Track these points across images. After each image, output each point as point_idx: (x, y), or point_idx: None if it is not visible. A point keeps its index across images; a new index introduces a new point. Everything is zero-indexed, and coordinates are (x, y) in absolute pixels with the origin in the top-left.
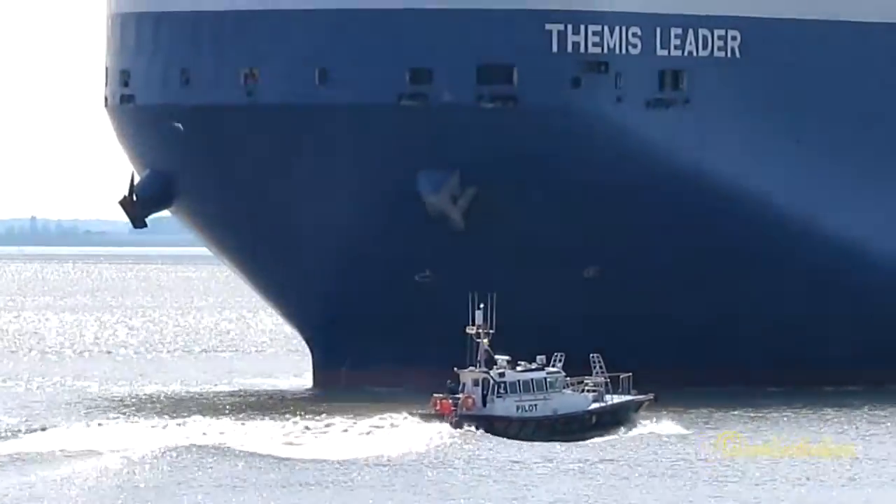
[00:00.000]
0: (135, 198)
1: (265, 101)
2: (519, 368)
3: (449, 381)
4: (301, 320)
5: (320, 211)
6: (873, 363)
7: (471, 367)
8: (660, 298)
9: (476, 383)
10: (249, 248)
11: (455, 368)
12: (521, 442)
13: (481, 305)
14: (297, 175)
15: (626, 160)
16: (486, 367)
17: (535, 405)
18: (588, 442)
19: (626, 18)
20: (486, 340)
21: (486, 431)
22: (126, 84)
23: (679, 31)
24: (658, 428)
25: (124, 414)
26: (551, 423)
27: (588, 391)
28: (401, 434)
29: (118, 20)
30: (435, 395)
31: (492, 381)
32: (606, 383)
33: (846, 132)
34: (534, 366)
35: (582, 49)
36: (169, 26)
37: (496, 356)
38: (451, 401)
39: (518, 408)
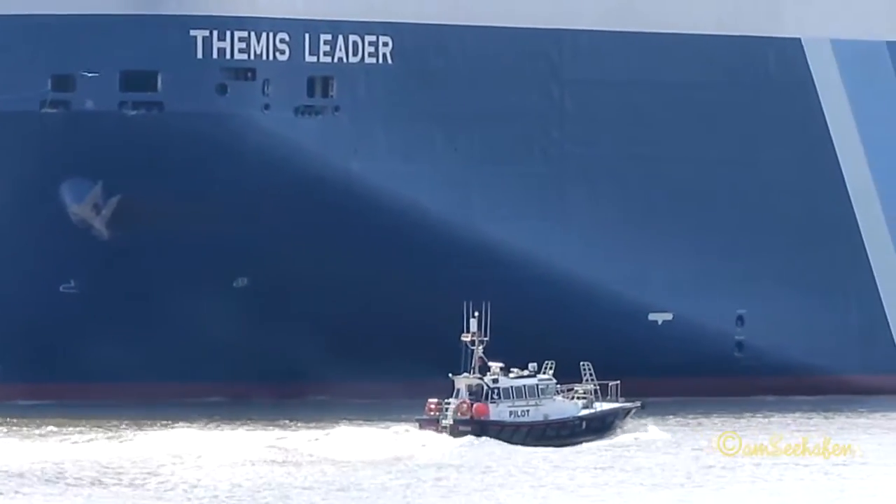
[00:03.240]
0: None
1: None
2: (511, 375)
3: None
4: None
5: None
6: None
7: (465, 374)
8: (311, 305)
9: (470, 389)
10: None
11: (450, 374)
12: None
13: (476, 314)
14: None
15: (274, 167)
16: (480, 373)
17: (528, 411)
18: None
19: (273, 24)
20: (480, 348)
21: (479, 436)
22: None
23: (328, 37)
24: (645, 434)
25: None
26: (542, 429)
27: (578, 398)
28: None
29: None
30: (430, 400)
31: (485, 387)
32: (596, 391)
33: (506, 139)
34: (526, 373)
35: (228, 55)
36: None
37: (490, 363)
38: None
39: (511, 413)
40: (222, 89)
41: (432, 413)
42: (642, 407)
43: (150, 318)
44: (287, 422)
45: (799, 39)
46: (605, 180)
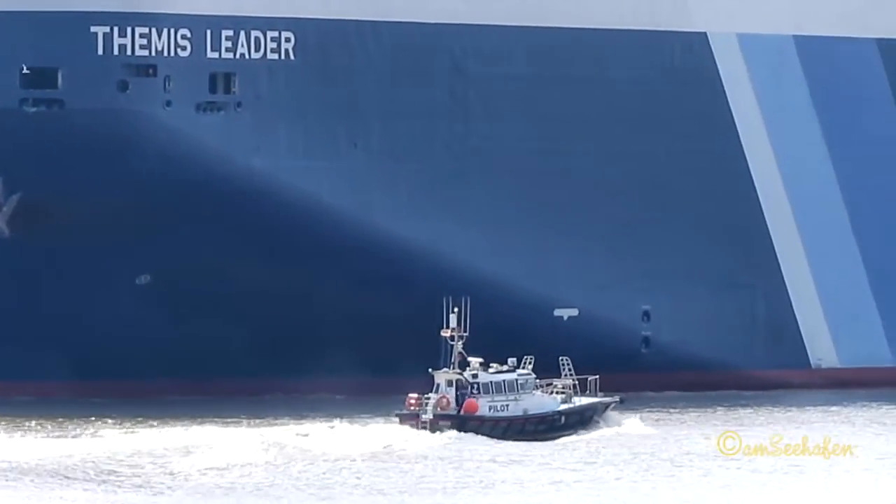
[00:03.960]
0: None
1: None
2: (491, 370)
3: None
4: None
5: None
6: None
7: (445, 369)
8: (216, 302)
9: (450, 384)
10: None
11: (430, 370)
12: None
13: (455, 309)
14: None
15: (176, 164)
16: (460, 368)
17: (507, 405)
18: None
19: (174, 20)
20: (460, 343)
21: (459, 430)
22: None
23: (230, 32)
24: (624, 428)
25: None
26: (522, 423)
27: (557, 393)
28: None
29: None
30: (410, 394)
31: (465, 382)
32: (574, 385)
33: (410, 135)
34: (505, 368)
35: (129, 51)
36: None
37: (469, 358)
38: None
39: (490, 408)
40: (123, 86)
41: (412, 408)
42: (621, 402)
43: (52, 315)
44: (199, 419)
45: (705, 34)
46: (510, 175)
